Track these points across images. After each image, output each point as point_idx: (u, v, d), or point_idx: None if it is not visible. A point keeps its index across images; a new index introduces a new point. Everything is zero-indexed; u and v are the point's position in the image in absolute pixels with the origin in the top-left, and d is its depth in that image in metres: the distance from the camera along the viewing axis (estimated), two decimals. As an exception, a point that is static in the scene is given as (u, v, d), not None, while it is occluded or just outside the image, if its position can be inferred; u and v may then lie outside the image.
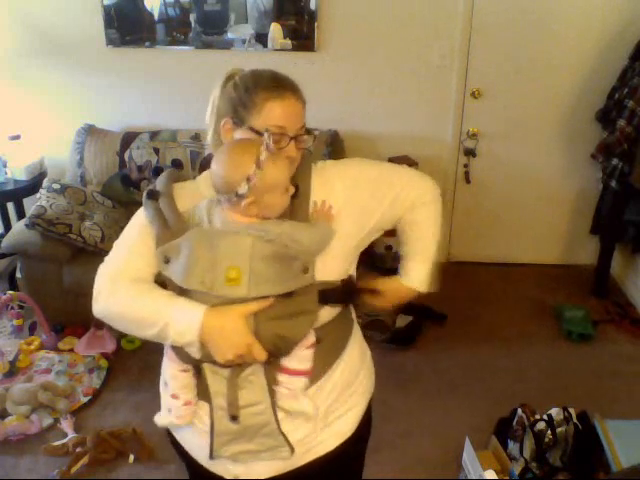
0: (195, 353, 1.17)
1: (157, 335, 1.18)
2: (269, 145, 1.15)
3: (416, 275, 1.40)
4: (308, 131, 1.28)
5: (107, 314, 1.29)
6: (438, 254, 1.44)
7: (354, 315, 1.46)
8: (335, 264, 1.25)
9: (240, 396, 1.19)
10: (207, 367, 1.20)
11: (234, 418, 1.20)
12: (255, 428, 1.22)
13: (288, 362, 1.21)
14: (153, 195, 1.28)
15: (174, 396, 1.27)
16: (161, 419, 1.35)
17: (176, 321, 1.14)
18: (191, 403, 1.26)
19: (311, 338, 1.22)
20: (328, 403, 1.31)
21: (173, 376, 1.27)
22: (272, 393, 1.21)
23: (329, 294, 1.22)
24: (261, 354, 1.14)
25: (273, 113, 1.20)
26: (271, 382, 1.21)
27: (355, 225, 1.28)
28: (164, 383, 1.33)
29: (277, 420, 1.22)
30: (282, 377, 1.21)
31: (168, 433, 1.44)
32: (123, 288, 1.25)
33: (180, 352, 1.21)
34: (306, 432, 1.28)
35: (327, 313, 1.25)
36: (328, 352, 1.30)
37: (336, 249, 1.24)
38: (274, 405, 1.21)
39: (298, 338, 1.18)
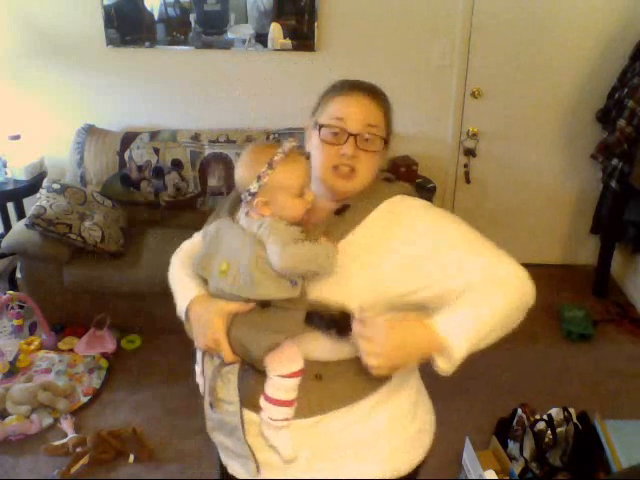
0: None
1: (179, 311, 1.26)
2: (286, 148, 1.15)
3: (451, 321, 1.06)
4: (385, 141, 1.21)
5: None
6: (483, 343, 1.11)
7: (410, 384, 1.31)
8: (346, 297, 1.12)
9: (219, 388, 1.19)
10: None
11: (212, 406, 1.21)
12: (228, 427, 1.20)
13: (265, 386, 1.16)
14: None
15: (196, 363, 1.30)
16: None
17: (178, 297, 1.25)
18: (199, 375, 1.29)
19: (294, 366, 1.14)
20: (319, 448, 1.20)
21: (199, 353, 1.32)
22: (249, 401, 1.17)
23: (318, 317, 1.12)
24: (227, 354, 1.14)
25: (335, 107, 1.20)
26: (249, 389, 1.17)
27: (399, 275, 1.13)
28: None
29: (244, 429, 1.18)
30: (261, 401, 1.17)
31: None
32: (176, 257, 1.36)
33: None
34: (278, 462, 1.20)
35: (329, 350, 1.15)
36: (330, 393, 1.18)
37: (363, 284, 1.13)
38: (242, 412, 1.17)
39: (257, 352, 1.11)
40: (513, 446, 2.27)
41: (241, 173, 1.19)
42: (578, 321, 3.18)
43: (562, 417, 2.26)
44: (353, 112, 1.18)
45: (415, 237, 1.15)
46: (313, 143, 1.23)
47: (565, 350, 3.05)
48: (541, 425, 2.24)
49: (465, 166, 3.57)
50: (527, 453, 2.21)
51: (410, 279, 1.13)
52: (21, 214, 3.39)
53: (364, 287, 1.13)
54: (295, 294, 1.11)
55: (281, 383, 1.14)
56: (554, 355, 3.01)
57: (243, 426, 1.17)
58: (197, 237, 1.38)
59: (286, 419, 1.16)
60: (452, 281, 1.11)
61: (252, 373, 1.17)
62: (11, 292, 3.04)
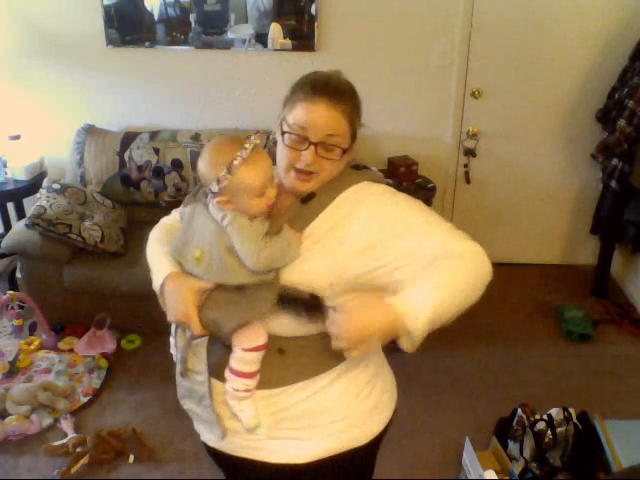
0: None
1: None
2: (244, 152, 1.15)
3: (415, 300, 1.07)
4: (345, 151, 1.23)
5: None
6: (449, 313, 1.12)
7: (370, 359, 1.35)
8: (314, 281, 1.18)
9: (190, 359, 1.27)
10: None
11: (182, 375, 1.28)
12: (197, 395, 1.28)
13: (231, 359, 1.23)
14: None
15: (172, 335, 1.35)
16: None
17: (154, 273, 1.30)
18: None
19: (257, 340, 1.20)
20: (279, 417, 1.27)
21: None
22: (217, 371, 1.24)
23: (291, 301, 1.18)
24: (196, 328, 1.20)
25: (299, 113, 1.22)
26: (217, 360, 1.24)
27: (357, 258, 1.17)
28: None
29: (212, 398, 1.26)
30: (226, 372, 1.24)
31: None
32: (155, 232, 1.40)
33: None
34: (243, 428, 1.28)
35: (293, 326, 1.21)
36: (291, 367, 1.25)
37: (323, 265, 1.18)
38: (210, 382, 1.25)
39: (227, 329, 1.18)
40: (513, 446, 2.27)
41: (202, 170, 1.22)
42: (578, 321, 3.18)
43: (562, 417, 2.26)
44: (315, 122, 1.20)
45: (375, 221, 1.19)
46: (278, 140, 1.27)
47: (565, 350, 3.05)
48: (541, 425, 2.24)
49: (465, 166, 3.57)
50: (527, 453, 2.21)
51: (369, 261, 1.17)
52: (21, 214, 3.39)
53: (324, 268, 1.19)
54: (269, 278, 1.18)
55: (244, 356, 1.21)
56: (554, 355, 3.01)
57: (211, 395, 1.26)
58: (175, 214, 1.42)
59: (248, 390, 1.23)
60: (409, 262, 1.14)
61: (220, 346, 1.24)
62: (11, 292, 3.04)
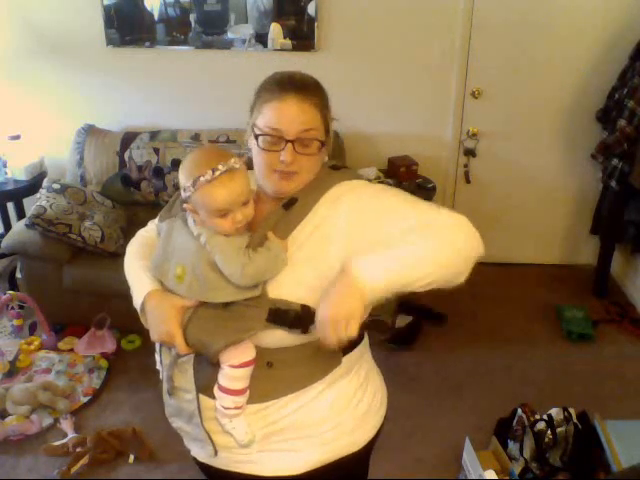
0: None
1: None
2: (217, 172, 1.12)
3: (364, 264, 1.04)
4: (323, 143, 1.21)
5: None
6: (400, 279, 1.06)
7: (360, 365, 1.35)
8: (302, 291, 1.15)
9: (176, 377, 1.24)
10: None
11: (170, 393, 1.27)
12: (186, 413, 1.26)
13: (219, 377, 1.19)
14: None
15: (157, 352, 1.32)
16: None
17: (133, 290, 1.28)
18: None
19: (245, 356, 1.17)
20: (270, 430, 1.25)
21: None
22: (205, 388, 1.22)
23: (281, 315, 1.14)
24: (181, 347, 1.18)
25: (269, 114, 1.19)
26: (205, 377, 1.21)
27: (342, 253, 1.14)
28: None
29: (201, 416, 1.23)
30: (215, 391, 1.21)
31: None
32: (132, 246, 1.39)
33: None
34: (234, 444, 1.25)
35: (280, 338, 1.17)
36: (280, 380, 1.22)
37: (306, 276, 1.16)
38: (199, 401, 1.22)
39: (216, 348, 1.15)
40: (513, 446, 2.27)
41: (179, 174, 1.20)
42: (578, 321, 3.18)
43: (562, 417, 2.26)
44: (288, 119, 1.17)
45: (355, 214, 1.16)
46: (252, 147, 1.23)
47: (565, 350, 3.05)
48: (541, 425, 2.24)
49: (465, 166, 3.57)
50: (527, 453, 2.21)
51: (352, 254, 1.11)
52: (21, 214, 3.39)
53: (310, 273, 1.16)
54: (256, 293, 1.14)
55: (232, 373, 1.17)
56: (554, 355, 3.01)
57: (200, 413, 1.23)
58: (152, 225, 1.40)
59: (238, 407, 1.20)
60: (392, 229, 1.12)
61: (208, 363, 1.21)
62: (11, 292, 3.04)
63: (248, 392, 1.20)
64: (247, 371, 1.18)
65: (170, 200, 1.33)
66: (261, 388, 1.21)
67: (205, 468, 1.37)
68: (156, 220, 1.37)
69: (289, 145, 1.17)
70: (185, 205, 1.19)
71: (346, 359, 1.28)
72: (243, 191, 1.15)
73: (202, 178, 1.12)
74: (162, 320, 1.18)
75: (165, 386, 1.27)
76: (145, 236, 1.39)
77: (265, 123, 1.19)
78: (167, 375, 1.25)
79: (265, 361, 1.20)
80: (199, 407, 1.23)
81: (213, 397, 1.22)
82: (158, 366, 1.33)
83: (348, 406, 1.30)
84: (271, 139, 1.18)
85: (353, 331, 1.03)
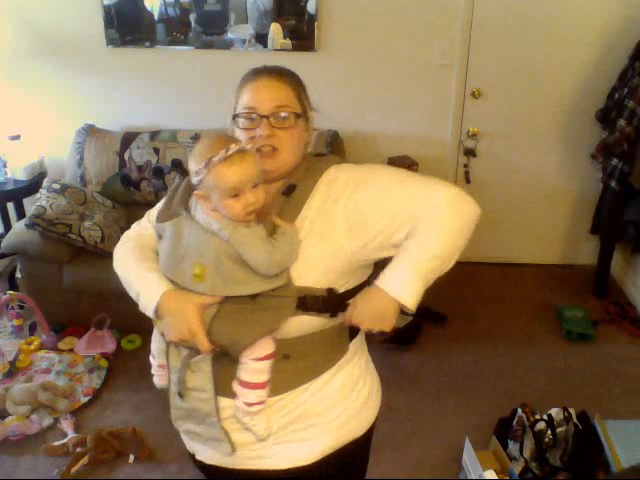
0: (158, 326, 1.24)
1: (135, 299, 1.27)
2: (229, 150, 1.13)
3: (396, 281, 1.15)
4: (299, 115, 1.24)
5: (115, 268, 1.35)
6: (433, 274, 1.18)
7: (362, 352, 1.41)
8: (319, 274, 1.19)
9: (188, 378, 1.22)
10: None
11: (180, 395, 1.24)
12: (200, 414, 1.25)
13: (240, 372, 1.19)
14: (184, 173, 1.31)
15: (152, 356, 1.33)
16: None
17: (142, 294, 1.23)
18: (164, 367, 1.29)
19: (268, 349, 1.18)
20: (285, 421, 1.27)
21: (154, 337, 1.32)
22: (221, 387, 1.21)
23: (311, 301, 1.17)
24: (204, 345, 1.16)
25: (245, 96, 1.25)
26: (221, 376, 1.21)
27: (349, 236, 1.19)
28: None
29: (218, 414, 1.23)
30: (236, 387, 1.21)
31: None
32: (126, 249, 1.33)
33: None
34: (252, 439, 1.26)
35: (297, 327, 1.20)
36: (297, 371, 1.25)
37: (319, 259, 1.19)
38: (217, 398, 1.22)
39: (247, 340, 1.15)
40: (513, 446, 2.27)
41: (189, 161, 1.20)
42: (578, 321, 3.18)
43: (562, 417, 2.26)
44: (262, 96, 1.23)
45: (353, 196, 1.20)
46: (236, 131, 1.27)
47: (565, 350, 3.05)
48: (541, 425, 2.24)
49: (465, 166, 3.57)
50: (527, 453, 2.21)
51: (357, 236, 1.18)
52: (21, 214, 3.39)
53: (322, 256, 1.19)
54: (284, 281, 1.15)
55: (256, 366, 1.18)
56: (554, 355, 3.01)
57: (218, 411, 1.22)
58: (137, 227, 1.37)
59: (261, 402, 1.20)
60: (395, 224, 1.18)
61: (222, 360, 1.20)
62: (11, 292, 3.04)
63: (269, 385, 1.21)
64: (269, 363, 1.20)
65: (163, 201, 1.31)
66: (279, 380, 1.23)
67: (213, 471, 1.35)
68: (144, 222, 1.36)
69: (264, 120, 1.21)
70: (196, 192, 1.18)
71: (351, 345, 1.33)
72: (254, 172, 1.16)
73: (215, 158, 1.13)
74: (182, 319, 1.16)
75: (174, 389, 1.25)
76: (135, 238, 1.35)
77: (242, 105, 1.25)
78: (178, 377, 1.23)
79: (282, 354, 1.22)
80: (217, 406, 1.22)
81: (228, 396, 1.22)
82: (154, 371, 1.33)
83: (354, 390, 1.34)
84: (248, 117, 1.23)
85: (387, 328, 1.17)
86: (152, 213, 1.37)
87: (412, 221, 1.16)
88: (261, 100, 1.22)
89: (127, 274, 1.29)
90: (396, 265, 1.16)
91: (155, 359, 1.32)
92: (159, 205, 1.34)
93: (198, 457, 1.36)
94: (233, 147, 1.14)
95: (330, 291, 1.19)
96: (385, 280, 1.16)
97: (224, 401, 1.23)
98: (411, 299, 1.14)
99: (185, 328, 1.16)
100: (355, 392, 1.35)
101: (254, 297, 1.15)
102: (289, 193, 1.22)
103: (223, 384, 1.21)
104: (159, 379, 1.33)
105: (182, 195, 1.26)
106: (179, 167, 3.23)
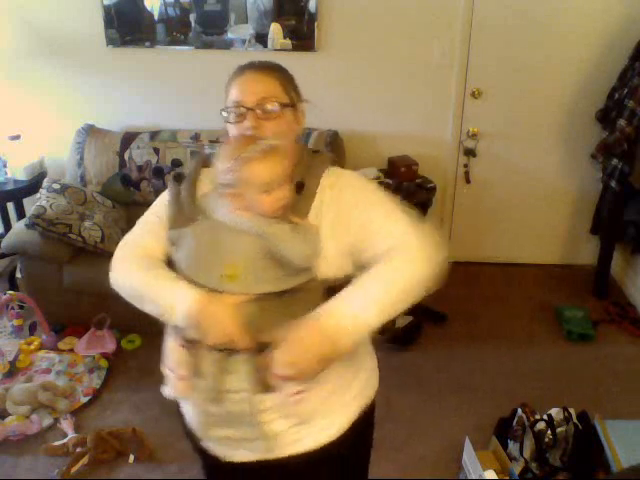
0: (191, 333, 1.21)
1: (155, 311, 1.24)
2: (261, 146, 1.17)
3: (338, 316, 1.14)
4: (288, 105, 1.28)
5: (117, 285, 1.31)
6: (386, 314, 1.16)
7: None
8: (335, 265, 1.24)
9: (226, 381, 1.22)
10: (203, 347, 1.22)
11: (216, 400, 1.23)
12: (236, 415, 1.24)
13: (278, 368, 1.19)
14: (178, 178, 1.33)
15: (170, 369, 1.30)
16: (164, 389, 1.37)
17: (171, 302, 1.20)
18: (185, 378, 1.27)
19: None
20: (318, 401, 1.29)
21: (171, 349, 1.30)
22: (260, 385, 1.21)
23: (334, 290, 1.20)
24: (245, 343, 1.17)
25: (232, 92, 1.28)
26: (260, 374, 1.20)
27: (345, 229, 1.25)
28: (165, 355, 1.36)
29: (258, 412, 1.23)
30: (275, 380, 1.20)
31: (178, 412, 1.46)
32: (131, 262, 1.30)
33: (179, 329, 1.24)
34: (288, 425, 1.27)
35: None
36: None
37: (334, 252, 1.23)
38: (256, 396, 1.22)
39: (285, 335, 1.17)
40: (513, 446, 2.27)
41: (218, 162, 1.22)
42: (578, 321, 3.18)
43: (562, 417, 2.26)
44: (246, 90, 1.26)
45: (347, 203, 1.26)
46: (228, 126, 1.30)
47: (565, 350, 3.05)
48: (541, 425, 2.24)
49: (465, 166, 3.57)
50: (527, 453, 2.21)
51: (348, 236, 1.24)
52: (21, 214, 3.39)
53: (335, 249, 1.23)
54: (313, 274, 1.20)
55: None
56: (554, 355, 3.01)
57: (257, 409, 1.23)
58: (133, 237, 1.34)
59: (301, 391, 1.21)
60: (371, 245, 1.22)
61: (255, 357, 1.20)
62: (11, 292, 3.04)
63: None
64: None
65: (170, 208, 1.30)
66: None
67: (249, 470, 1.34)
68: (141, 232, 1.34)
69: (250, 112, 1.24)
70: (227, 192, 1.20)
71: None
72: (285, 167, 1.20)
73: (247, 154, 1.16)
74: (220, 320, 1.16)
75: (208, 395, 1.24)
76: (135, 248, 1.31)
77: (230, 100, 1.28)
78: (212, 383, 1.22)
79: None
80: (256, 404, 1.23)
81: (263, 391, 1.22)
82: (174, 383, 1.28)
83: (367, 358, 1.42)
84: (235, 111, 1.26)
85: (312, 374, 1.16)
86: (148, 221, 1.35)
87: (380, 256, 1.19)
88: (246, 93, 1.25)
89: (140, 286, 1.25)
90: (347, 302, 1.16)
91: (173, 371, 1.28)
92: (151, 216, 1.34)
93: (232, 459, 1.33)
94: (264, 143, 1.17)
95: (347, 277, 1.23)
96: (330, 311, 1.14)
97: (259, 397, 1.24)
98: (346, 346, 1.15)
99: (225, 329, 1.16)
100: (367, 359, 1.42)
101: (283, 293, 1.18)
102: (299, 190, 1.26)
103: (257, 380, 1.22)
104: (179, 391, 1.30)
105: (189, 201, 1.27)
106: (179, 167, 3.23)
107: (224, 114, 1.29)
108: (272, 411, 1.24)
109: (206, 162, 1.35)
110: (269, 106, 1.25)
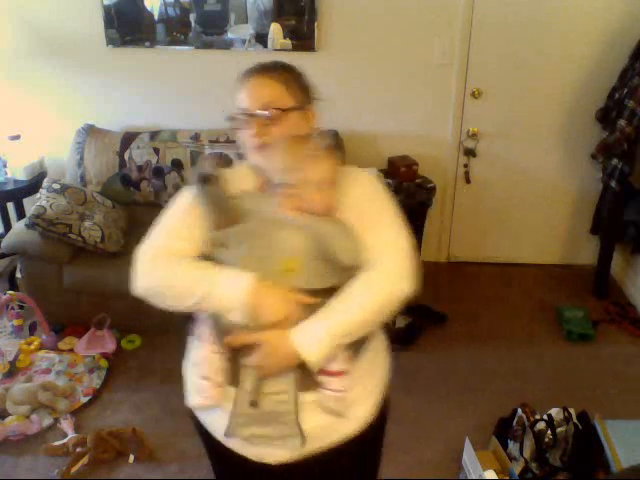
0: (238, 317, 1.20)
1: (198, 303, 1.23)
2: (316, 144, 1.22)
3: (309, 334, 1.19)
4: (287, 109, 1.29)
5: (148, 291, 1.30)
6: (355, 334, 1.23)
7: None
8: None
9: (266, 382, 1.23)
10: (241, 350, 1.23)
11: (254, 404, 1.24)
12: (274, 415, 1.25)
13: (328, 363, 1.23)
14: (208, 179, 1.30)
15: (205, 378, 1.27)
16: (191, 401, 1.34)
17: (223, 285, 1.20)
18: (221, 386, 1.27)
19: None
20: (353, 393, 1.31)
21: (206, 358, 1.28)
22: (304, 383, 1.23)
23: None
24: (300, 309, 1.19)
25: (238, 99, 1.32)
26: (305, 377, 1.23)
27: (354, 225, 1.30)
28: (192, 365, 1.35)
29: (297, 411, 1.24)
30: (322, 377, 1.24)
31: (192, 414, 1.43)
32: (163, 263, 1.28)
33: (219, 334, 1.24)
34: (325, 420, 1.27)
35: None
36: (356, 342, 1.29)
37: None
38: (297, 395, 1.24)
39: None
40: (513, 446, 2.27)
41: (275, 163, 1.24)
42: (578, 321, 3.18)
43: (562, 417, 2.26)
44: (250, 97, 1.30)
45: (360, 204, 1.30)
46: (237, 136, 1.35)
47: (565, 350, 3.05)
48: (541, 425, 2.24)
49: (465, 166, 3.57)
50: (527, 453, 2.21)
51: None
52: (21, 214, 3.39)
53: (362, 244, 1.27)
54: (355, 273, 1.23)
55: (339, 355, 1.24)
56: (554, 355, 3.01)
57: (297, 408, 1.24)
58: (162, 243, 1.31)
59: (343, 389, 1.24)
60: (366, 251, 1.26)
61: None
62: (11, 292, 3.04)
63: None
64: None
65: (208, 210, 1.27)
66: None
67: (285, 469, 1.32)
68: (161, 237, 1.32)
69: (254, 119, 1.28)
70: (283, 191, 1.23)
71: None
72: (335, 165, 1.26)
73: (312, 152, 1.21)
74: (282, 297, 1.19)
75: (247, 397, 1.24)
76: (167, 250, 1.29)
77: (237, 107, 1.32)
78: (255, 385, 1.23)
79: None
80: (297, 404, 1.24)
81: (305, 390, 1.24)
82: (207, 392, 1.27)
83: (383, 343, 1.46)
84: (242, 118, 1.30)
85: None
86: (175, 227, 1.32)
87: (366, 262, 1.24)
88: (251, 98, 1.29)
89: (181, 281, 1.24)
90: (318, 319, 1.20)
91: (210, 380, 1.27)
92: (176, 222, 1.32)
93: (263, 460, 1.32)
94: (325, 142, 1.22)
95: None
96: (299, 334, 1.19)
97: (301, 395, 1.25)
98: (314, 357, 1.18)
99: (287, 306, 1.19)
100: (384, 343, 1.46)
101: (325, 290, 1.21)
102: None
103: (301, 379, 1.24)
104: (213, 399, 1.28)
105: (229, 202, 1.27)
106: (179, 167, 3.23)
107: (232, 121, 1.31)
108: (311, 408, 1.25)
109: (221, 163, 1.37)
110: (270, 112, 1.27)
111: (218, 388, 1.26)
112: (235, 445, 1.33)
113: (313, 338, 1.18)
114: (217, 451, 1.40)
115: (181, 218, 1.33)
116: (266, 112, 1.27)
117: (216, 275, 1.22)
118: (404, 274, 1.26)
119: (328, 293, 1.22)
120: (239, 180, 1.33)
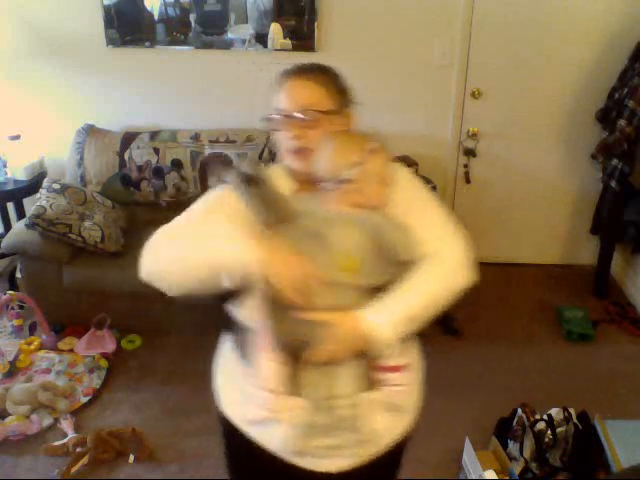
0: (253, 277, 1.13)
1: (215, 273, 1.14)
2: (373, 139, 1.23)
3: (381, 314, 1.16)
4: (326, 112, 1.27)
5: (166, 264, 1.20)
6: (420, 320, 1.21)
7: None
8: None
9: (333, 386, 1.21)
10: (304, 358, 1.18)
11: (321, 410, 1.21)
12: (340, 420, 1.22)
13: (385, 359, 1.22)
14: (253, 181, 1.27)
15: (267, 389, 1.21)
16: (255, 415, 1.26)
17: (236, 252, 1.12)
18: (284, 394, 1.21)
19: None
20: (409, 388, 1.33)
21: (268, 368, 1.20)
22: (365, 382, 1.22)
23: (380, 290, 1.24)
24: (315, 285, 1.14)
25: (279, 100, 1.30)
26: (368, 377, 1.22)
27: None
28: (246, 375, 1.27)
29: (361, 413, 1.22)
30: (380, 375, 1.23)
31: (230, 428, 1.36)
32: (182, 237, 1.21)
33: (282, 341, 1.18)
34: (384, 419, 1.26)
35: None
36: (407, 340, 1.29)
37: None
38: (360, 395, 1.22)
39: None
40: (513, 446, 2.27)
41: (332, 160, 1.22)
42: (578, 321, 3.18)
43: (562, 417, 2.26)
44: (289, 98, 1.28)
45: (402, 201, 1.29)
46: (275, 137, 1.33)
47: (565, 350, 3.05)
48: (541, 425, 2.24)
49: (465, 166, 3.57)
50: (527, 453, 2.21)
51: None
52: (21, 214, 3.39)
53: None
54: (409, 268, 1.23)
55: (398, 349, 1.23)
56: (554, 355, 3.01)
57: (359, 411, 1.22)
58: (187, 223, 1.26)
59: (399, 384, 1.25)
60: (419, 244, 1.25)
61: (360, 357, 1.21)
62: (11, 292, 3.04)
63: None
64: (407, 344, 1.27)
65: (257, 211, 1.23)
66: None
67: (346, 476, 1.28)
68: (200, 219, 1.27)
69: (293, 121, 1.26)
70: (349, 187, 1.21)
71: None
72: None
73: (372, 147, 1.22)
74: (300, 264, 1.12)
75: (314, 405, 1.20)
76: (191, 230, 1.23)
77: (277, 109, 1.30)
78: (321, 391, 1.21)
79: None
80: (359, 405, 1.22)
81: (365, 390, 1.22)
82: (271, 405, 1.21)
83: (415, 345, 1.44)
84: (280, 120, 1.28)
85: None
86: (193, 218, 1.27)
87: (420, 256, 1.23)
88: (290, 100, 1.27)
89: (198, 253, 1.16)
90: (388, 303, 1.18)
91: (274, 390, 1.20)
92: (210, 215, 1.27)
93: (326, 469, 1.27)
94: (378, 136, 1.25)
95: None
96: (373, 311, 1.17)
97: (361, 396, 1.23)
98: (388, 334, 1.16)
99: (303, 275, 1.11)
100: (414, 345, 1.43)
101: (379, 286, 1.20)
102: None
103: (363, 379, 1.23)
104: (277, 410, 1.22)
105: (281, 201, 1.24)
106: (179, 167, 3.23)
107: (269, 122, 1.30)
108: (373, 408, 1.24)
109: (259, 164, 1.37)
110: (311, 114, 1.26)
111: (281, 400, 1.20)
112: (294, 457, 1.28)
113: (384, 319, 1.16)
114: (263, 465, 1.32)
115: (212, 212, 1.27)
116: (305, 115, 1.26)
117: (231, 243, 1.14)
118: (464, 264, 1.29)
119: (383, 290, 1.20)
120: (274, 182, 1.29)
